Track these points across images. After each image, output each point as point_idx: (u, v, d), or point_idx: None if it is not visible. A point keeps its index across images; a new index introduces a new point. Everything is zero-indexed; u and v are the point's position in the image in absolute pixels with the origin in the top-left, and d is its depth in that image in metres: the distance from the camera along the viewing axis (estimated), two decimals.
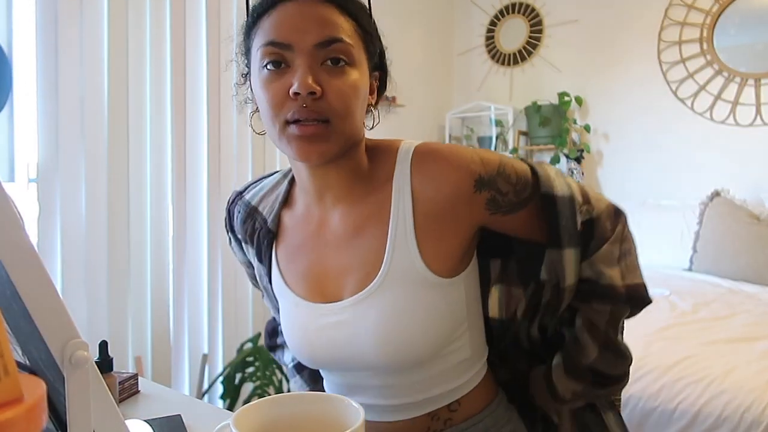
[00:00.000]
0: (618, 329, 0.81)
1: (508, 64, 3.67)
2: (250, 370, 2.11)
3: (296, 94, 0.67)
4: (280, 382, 2.16)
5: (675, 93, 3.17)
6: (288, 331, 0.84)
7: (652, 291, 0.81)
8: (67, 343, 0.40)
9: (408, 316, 0.74)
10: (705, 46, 3.08)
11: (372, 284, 0.75)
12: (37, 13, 1.69)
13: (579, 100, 3.38)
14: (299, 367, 0.98)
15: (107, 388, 0.44)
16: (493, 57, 3.73)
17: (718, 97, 3.05)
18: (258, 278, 0.91)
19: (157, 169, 2.03)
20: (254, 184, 0.92)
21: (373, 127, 0.80)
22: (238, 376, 2.09)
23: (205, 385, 2.16)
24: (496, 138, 3.51)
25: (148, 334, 2.01)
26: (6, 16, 1.66)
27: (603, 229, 0.77)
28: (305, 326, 0.81)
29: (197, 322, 2.19)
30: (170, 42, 2.05)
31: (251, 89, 0.76)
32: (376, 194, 0.77)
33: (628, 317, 0.81)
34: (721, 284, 2.48)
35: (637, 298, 0.79)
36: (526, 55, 3.61)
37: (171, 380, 2.09)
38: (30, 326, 0.39)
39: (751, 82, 2.96)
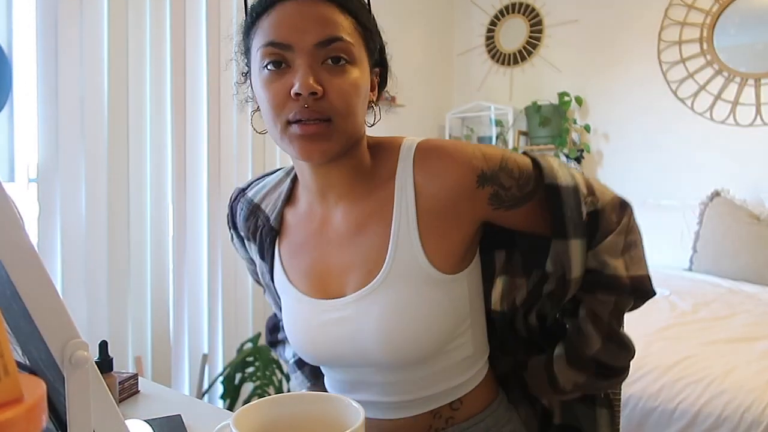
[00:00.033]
0: (621, 321, 0.80)
1: (508, 64, 3.67)
2: (250, 370, 2.11)
3: (297, 94, 0.67)
4: (280, 382, 2.16)
5: (675, 93, 3.17)
6: (290, 328, 0.84)
7: None
8: (67, 343, 0.40)
9: (411, 313, 0.74)
10: (705, 46, 3.08)
11: (375, 280, 0.75)
12: (37, 14, 1.69)
13: (579, 100, 3.38)
14: (300, 363, 0.98)
15: (107, 388, 0.44)
16: (493, 57, 3.73)
17: (718, 97, 3.05)
18: (260, 275, 0.91)
19: (157, 169, 2.03)
20: (257, 182, 0.93)
21: (373, 124, 0.80)
22: (238, 376, 2.09)
23: (205, 385, 2.16)
24: (496, 138, 3.51)
25: (148, 334, 2.01)
26: (6, 16, 1.66)
27: (608, 221, 0.77)
28: (308, 322, 0.81)
29: (197, 322, 2.19)
30: (170, 42, 2.05)
31: (252, 88, 0.76)
32: (379, 191, 0.77)
33: (631, 309, 0.81)
34: (721, 284, 2.48)
35: (641, 290, 0.78)
36: (526, 55, 3.61)
37: (171, 380, 2.09)
38: (30, 326, 0.39)
39: (751, 82, 2.96)
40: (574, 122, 3.38)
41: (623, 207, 0.79)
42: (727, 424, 1.39)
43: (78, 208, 1.80)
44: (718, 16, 3.03)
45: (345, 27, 0.70)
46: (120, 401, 0.96)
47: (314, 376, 0.97)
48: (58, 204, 1.75)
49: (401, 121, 3.18)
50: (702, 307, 2.11)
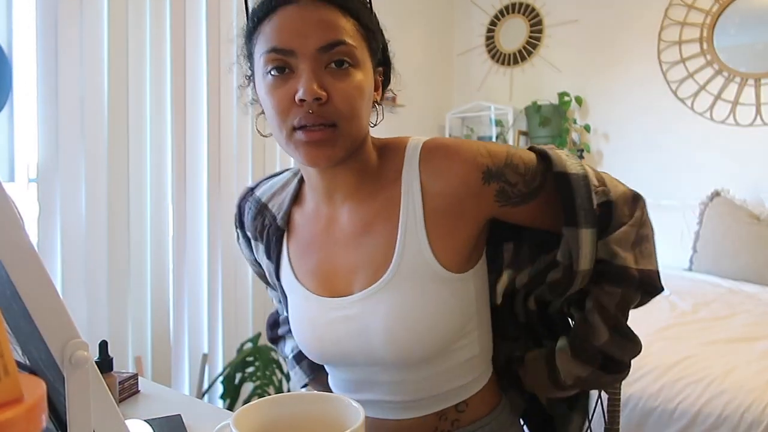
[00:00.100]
0: (627, 315, 0.79)
1: (508, 64, 3.67)
2: (250, 370, 2.11)
3: (302, 100, 0.67)
4: (280, 382, 2.16)
5: (675, 93, 3.17)
6: (297, 326, 0.84)
7: None
8: (67, 343, 0.40)
9: (417, 311, 0.75)
10: (705, 46, 3.08)
11: (382, 279, 0.75)
12: (37, 14, 1.69)
13: (579, 100, 3.38)
14: (298, 358, 0.99)
15: (107, 388, 0.44)
16: (493, 57, 3.73)
17: (718, 97, 3.05)
18: (267, 276, 0.91)
19: (157, 169, 2.03)
20: (265, 181, 0.93)
21: (376, 124, 0.80)
22: (238, 376, 2.09)
23: (205, 385, 2.16)
24: (496, 138, 3.51)
25: (148, 334, 2.01)
26: (6, 16, 1.66)
27: (620, 214, 0.76)
28: (314, 320, 0.81)
29: (197, 322, 2.19)
30: (170, 42, 2.05)
31: (255, 91, 0.76)
32: (385, 191, 0.78)
33: (638, 305, 0.80)
34: (721, 284, 2.48)
35: (649, 284, 0.77)
36: (526, 55, 3.61)
37: (171, 380, 2.09)
38: (30, 326, 0.39)
39: (751, 82, 2.96)
40: (574, 122, 3.39)
41: (636, 200, 0.79)
42: (727, 424, 1.39)
43: (78, 208, 1.80)
44: (718, 16, 3.03)
45: (347, 30, 0.70)
46: (120, 401, 0.96)
47: (312, 371, 0.97)
48: (58, 204, 1.75)
49: (401, 121, 3.18)
50: (702, 307, 2.11)
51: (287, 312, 0.89)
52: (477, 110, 3.57)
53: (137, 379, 1.02)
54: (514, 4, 3.62)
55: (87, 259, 1.82)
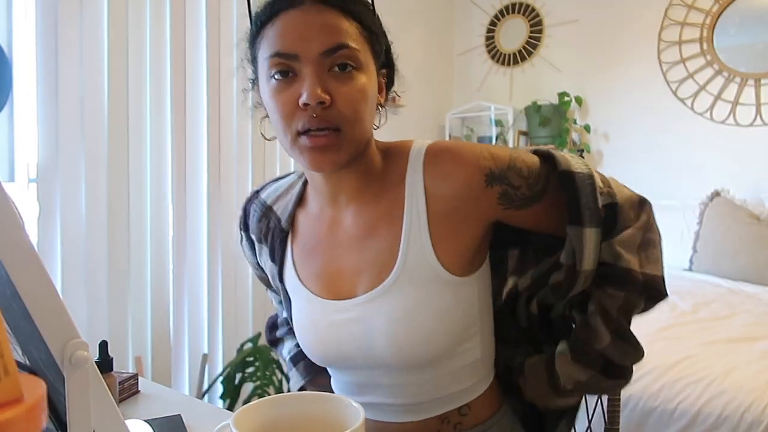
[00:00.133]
0: (630, 319, 0.78)
1: (508, 64, 3.67)
2: (250, 370, 2.11)
3: (306, 104, 0.67)
4: (280, 382, 2.16)
5: (675, 93, 3.17)
6: (300, 328, 0.84)
7: None
8: (67, 343, 0.40)
9: (421, 314, 0.74)
10: (705, 46, 3.08)
11: (385, 282, 0.75)
12: (37, 14, 1.69)
13: (579, 100, 3.38)
14: (295, 359, 0.99)
15: (107, 388, 0.44)
16: (493, 57, 3.73)
17: (718, 97, 3.05)
18: (271, 279, 0.91)
19: (157, 169, 2.03)
20: (270, 184, 0.94)
21: (378, 127, 0.80)
22: (238, 376, 2.09)
23: (205, 385, 2.16)
24: (496, 138, 3.51)
25: (148, 334, 2.01)
26: (6, 16, 1.66)
27: (626, 217, 0.76)
28: (317, 323, 0.81)
29: (197, 322, 2.19)
30: (170, 42, 2.05)
31: (259, 95, 0.77)
32: (389, 194, 0.78)
33: (642, 311, 0.79)
34: (721, 284, 2.48)
35: (653, 289, 0.76)
36: (526, 55, 3.61)
37: (171, 380, 2.09)
38: (30, 326, 0.39)
39: (751, 82, 2.96)
40: (574, 122, 3.38)
41: (642, 204, 0.79)
42: (727, 424, 1.39)
43: (78, 208, 1.80)
44: (718, 16, 3.03)
45: (350, 33, 0.70)
46: (120, 401, 0.96)
47: (308, 372, 0.97)
48: (58, 204, 1.75)
49: (401, 121, 3.15)
50: (702, 307, 2.11)
51: (290, 314, 0.89)
52: (477, 110, 3.57)
53: (137, 379, 1.02)
54: (514, 4, 3.62)
55: (87, 259, 1.82)
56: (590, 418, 0.98)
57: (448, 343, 0.76)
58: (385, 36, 0.78)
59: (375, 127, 0.79)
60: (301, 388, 0.97)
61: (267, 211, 0.89)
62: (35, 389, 0.32)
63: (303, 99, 0.67)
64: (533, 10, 3.56)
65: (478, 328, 0.80)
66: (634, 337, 0.78)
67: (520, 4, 3.60)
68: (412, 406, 0.80)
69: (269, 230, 0.88)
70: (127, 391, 0.99)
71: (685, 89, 3.14)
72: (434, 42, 3.71)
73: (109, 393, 0.44)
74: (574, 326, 0.83)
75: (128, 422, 0.75)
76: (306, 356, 0.94)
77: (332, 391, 0.89)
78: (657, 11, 3.18)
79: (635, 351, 0.78)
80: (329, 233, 0.82)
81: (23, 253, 0.38)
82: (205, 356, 2.17)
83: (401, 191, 0.77)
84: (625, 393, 1.49)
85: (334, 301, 0.80)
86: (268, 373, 2.10)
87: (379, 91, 0.77)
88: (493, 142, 3.51)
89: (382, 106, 0.80)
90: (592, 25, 3.38)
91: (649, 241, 0.77)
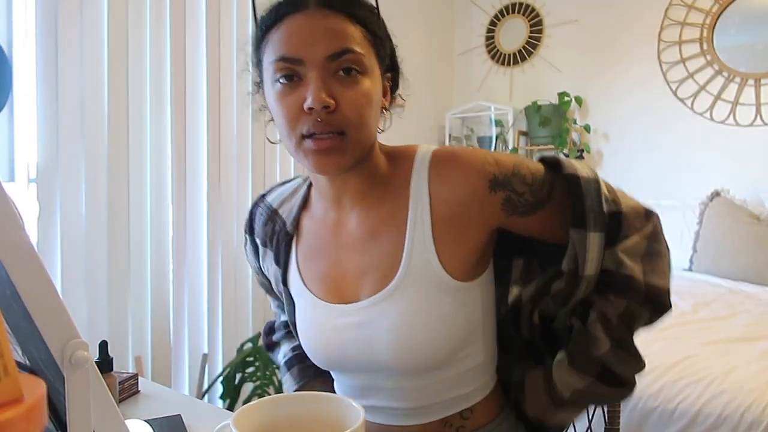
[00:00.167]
0: (631, 328, 0.77)
1: (508, 64, 3.67)
2: (250, 370, 2.11)
3: (310, 108, 0.67)
4: (280, 382, 2.16)
5: (675, 93, 3.17)
6: (303, 332, 0.85)
7: None
8: (67, 343, 0.40)
9: (423, 319, 0.75)
10: (705, 46, 3.08)
11: (389, 287, 0.76)
12: (37, 14, 1.69)
13: (579, 100, 3.38)
14: (289, 364, 0.98)
15: (107, 388, 0.44)
16: (493, 57, 3.73)
17: (718, 97, 3.05)
18: (274, 283, 0.91)
19: (157, 169, 2.03)
20: (276, 188, 0.94)
21: (384, 130, 0.80)
22: (238, 376, 2.09)
23: (205, 385, 2.16)
24: (496, 138, 3.51)
25: (148, 334, 2.01)
26: (6, 16, 1.66)
27: (631, 226, 0.76)
28: (321, 326, 0.81)
29: (197, 322, 2.19)
30: (170, 42, 2.05)
31: (264, 98, 0.77)
32: (394, 198, 0.78)
33: (647, 324, 0.77)
34: (721, 284, 2.48)
35: (656, 301, 0.75)
36: (526, 55, 3.61)
37: (171, 380, 2.09)
38: (30, 326, 0.39)
39: (751, 82, 2.96)
40: (574, 122, 3.38)
41: (648, 215, 0.78)
42: (727, 424, 1.39)
43: (78, 208, 1.80)
44: (718, 16, 3.03)
45: (355, 37, 0.70)
46: (120, 401, 0.96)
47: (302, 377, 0.96)
48: (58, 204, 1.75)
49: (401, 121, 3.17)
50: (702, 307, 2.11)
51: (293, 318, 0.88)
52: (477, 110, 3.57)
53: (137, 379, 1.02)
54: (514, 4, 3.62)
55: (87, 259, 1.82)
56: (590, 418, 0.98)
57: (451, 348, 0.77)
58: (390, 40, 0.78)
59: (380, 131, 0.79)
60: None
61: (273, 214, 0.90)
62: (35, 389, 0.32)
63: (308, 103, 0.67)
64: (533, 10, 3.56)
65: (480, 333, 0.80)
66: (635, 348, 0.77)
67: (520, 4, 3.60)
68: (415, 410, 0.80)
69: (275, 234, 0.88)
70: (127, 391, 0.99)
71: (685, 89, 3.14)
72: (434, 42, 3.70)
73: (109, 393, 0.44)
74: (574, 329, 0.83)
75: (128, 422, 0.75)
76: (301, 361, 0.95)
77: None
78: (657, 11, 3.18)
79: (635, 362, 0.77)
80: (333, 236, 0.82)
81: (23, 253, 0.38)
82: (205, 356, 2.17)
83: (406, 195, 0.77)
84: None
85: (337, 305, 0.80)
86: (268, 373, 2.10)
87: (384, 95, 0.78)
88: (493, 142, 3.51)
89: (386, 110, 0.80)
90: (592, 25, 3.38)
91: (654, 252, 0.76)
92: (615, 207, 0.76)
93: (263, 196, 0.94)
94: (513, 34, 3.65)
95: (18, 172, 1.72)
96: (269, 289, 0.98)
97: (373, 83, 0.72)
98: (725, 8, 3.00)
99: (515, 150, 3.41)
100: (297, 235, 0.87)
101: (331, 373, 0.89)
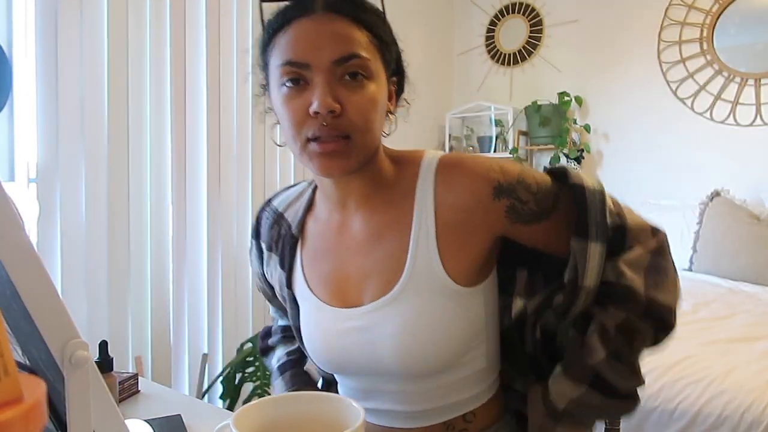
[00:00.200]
0: (631, 341, 0.73)
1: (508, 64, 3.67)
2: (250, 370, 2.11)
3: (316, 113, 0.68)
4: None
5: (675, 93, 3.17)
6: (307, 335, 0.85)
7: None
8: (67, 343, 0.40)
9: (427, 324, 0.75)
10: (705, 46, 3.08)
11: (393, 291, 0.76)
12: (37, 13, 1.69)
13: (579, 100, 3.38)
14: (283, 368, 0.98)
15: (107, 388, 0.44)
16: (493, 57, 3.73)
17: (718, 97, 3.05)
18: (278, 288, 0.92)
19: (157, 169, 2.03)
20: (282, 192, 0.95)
21: (389, 134, 0.81)
22: (238, 376, 2.09)
23: (205, 385, 2.16)
24: (496, 138, 3.51)
25: (148, 334, 2.01)
26: (6, 16, 1.66)
27: (635, 240, 0.75)
28: (325, 330, 0.82)
29: (197, 322, 2.19)
30: (170, 42, 2.05)
31: (270, 100, 0.77)
32: (398, 202, 0.78)
33: (654, 344, 0.75)
34: (721, 284, 2.48)
35: (658, 317, 0.73)
36: (526, 55, 3.61)
37: (171, 380, 2.09)
38: (30, 326, 0.39)
39: (751, 82, 2.96)
40: (574, 122, 3.38)
41: (654, 232, 0.77)
42: (727, 424, 1.39)
43: (78, 208, 1.80)
44: (718, 16, 3.03)
45: (361, 42, 0.71)
46: (120, 401, 0.96)
47: (294, 383, 0.96)
48: (58, 204, 1.75)
49: (401, 121, 3.17)
50: (702, 307, 2.11)
51: (296, 321, 0.89)
52: (477, 110, 3.57)
53: (137, 379, 1.02)
54: (514, 4, 3.62)
55: (87, 259, 1.82)
56: None
57: (454, 353, 0.77)
58: (396, 44, 0.79)
59: (384, 135, 0.79)
60: None
61: (278, 218, 0.91)
62: (35, 389, 0.32)
63: (314, 107, 0.68)
64: (533, 10, 3.56)
65: (483, 338, 0.81)
66: (635, 363, 0.74)
67: (520, 4, 3.60)
68: (417, 413, 0.81)
69: (280, 237, 0.89)
70: (127, 391, 0.99)
71: (685, 89, 3.14)
72: (434, 42, 3.70)
73: (109, 393, 0.44)
74: (569, 339, 0.81)
75: (128, 422, 0.75)
76: (294, 366, 0.95)
77: None
78: (657, 11, 3.18)
79: (632, 375, 0.74)
80: (337, 238, 0.82)
81: (23, 253, 0.38)
82: (205, 356, 2.17)
83: (411, 200, 0.77)
84: None
85: (341, 309, 0.80)
86: (268, 373, 2.10)
87: (389, 99, 0.78)
88: (493, 142, 3.51)
89: (391, 114, 0.80)
90: (592, 25, 3.38)
91: (659, 267, 0.75)
92: (619, 220, 0.75)
93: (269, 200, 0.95)
94: (513, 34, 3.65)
95: (18, 172, 1.72)
96: (271, 297, 0.98)
97: (378, 88, 0.72)
98: (725, 8, 3.00)
99: (515, 150, 3.41)
100: (302, 238, 0.87)
101: (335, 376, 0.89)
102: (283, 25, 0.72)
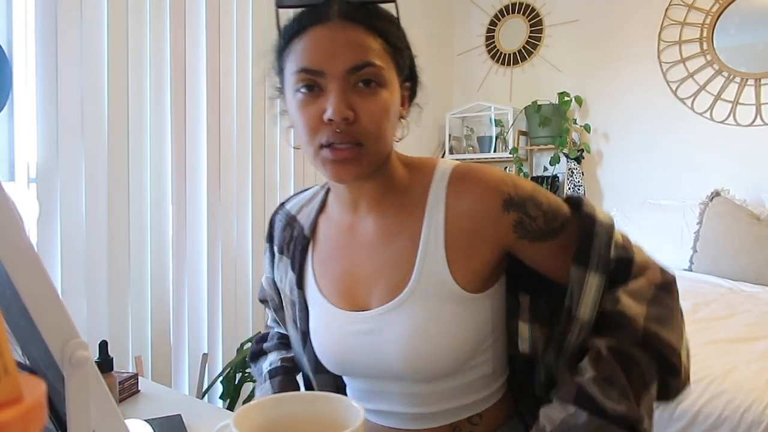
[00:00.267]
0: (629, 373, 0.66)
1: (508, 64, 3.67)
2: (250, 370, 2.11)
3: (330, 120, 0.69)
4: None
5: (675, 93, 3.17)
6: (317, 337, 0.86)
7: None
8: (67, 343, 0.40)
9: (434, 329, 0.75)
10: (705, 46, 3.08)
11: (401, 295, 0.77)
12: (37, 13, 1.69)
13: (579, 100, 3.38)
14: (273, 373, 0.97)
15: (107, 388, 0.44)
16: (493, 57, 3.72)
17: (718, 97, 3.05)
18: (288, 291, 0.92)
19: (157, 169, 2.03)
20: (295, 196, 0.97)
21: (401, 139, 0.82)
22: (238, 376, 2.09)
23: (205, 385, 2.15)
24: (496, 138, 3.51)
25: (148, 334, 2.01)
26: (6, 16, 1.66)
27: (640, 273, 0.74)
28: (334, 332, 0.82)
29: (197, 322, 2.19)
30: (170, 42, 2.05)
31: (285, 103, 0.78)
32: (410, 207, 0.79)
33: (664, 391, 0.69)
34: (721, 284, 2.48)
35: (659, 354, 0.68)
36: (526, 55, 3.61)
37: (171, 380, 2.09)
38: (30, 326, 0.39)
39: (751, 82, 2.96)
40: (574, 122, 3.38)
41: (663, 271, 0.76)
42: (727, 424, 1.39)
43: (78, 208, 1.80)
44: (718, 16, 3.03)
45: (375, 50, 0.72)
46: (120, 401, 0.96)
47: (282, 389, 0.93)
48: (58, 204, 1.75)
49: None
50: (702, 307, 2.11)
51: (306, 325, 0.89)
52: (477, 110, 3.57)
53: (137, 379, 1.02)
54: (514, 4, 3.62)
55: (87, 259, 1.82)
56: None
57: (460, 358, 0.77)
58: (410, 49, 0.80)
59: (396, 140, 0.80)
60: None
61: (291, 220, 0.92)
62: (35, 389, 0.32)
63: (328, 114, 0.69)
64: (533, 10, 3.56)
65: (490, 343, 0.81)
66: (629, 392, 0.66)
67: (520, 4, 3.60)
68: (424, 415, 0.81)
69: (292, 239, 0.90)
70: (127, 391, 0.99)
71: (685, 89, 3.14)
72: (434, 42, 3.70)
73: (109, 393, 0.44)
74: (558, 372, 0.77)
75: (128, 422, 0.75)
76: (285, 373, 0.95)
77: None
78: (657, 11, 3.18)
79: (621, 399, 0.65)
80: (348, 239, 0.83)
81: (23, 253, 0.38)
82: (205, 356, 2.17)
83: (422, 206, 0.78)
84: None
85: (349, 312, 0.81)
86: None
87: (402, 104, 0.79)
88: (493, 142, 3.51)
89: (403, 119, 0.81)
90: (592, 25, 3.38)
91: (663, 302, 0.72)
92: (625, 253, 0.75)
93: (283, 204, 0.97)
94: (513, 34, 3.65)
95: (18, 172, 1.72)
96: (277, 306, 0.97)
97: (391, 95, 0.74)
98: (725, 8, 3.00)
99: (515, 150, 3.41)
100: (314, 239, 0.88)
101: (343, 378, 0.90)
102: (298, 32, 0.73)
